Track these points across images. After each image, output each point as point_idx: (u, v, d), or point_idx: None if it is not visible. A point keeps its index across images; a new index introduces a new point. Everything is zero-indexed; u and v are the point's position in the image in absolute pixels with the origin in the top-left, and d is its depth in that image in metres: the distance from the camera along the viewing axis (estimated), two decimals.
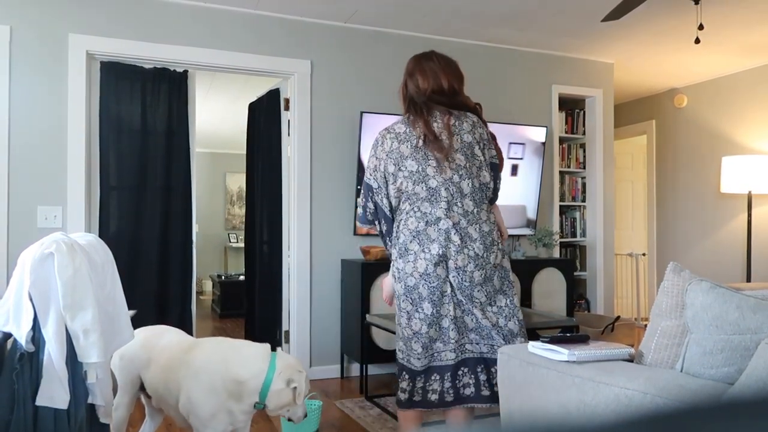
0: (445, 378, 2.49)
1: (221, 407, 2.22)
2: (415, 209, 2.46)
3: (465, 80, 2.68)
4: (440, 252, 2.39)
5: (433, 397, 2.48)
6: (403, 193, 2.48)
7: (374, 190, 2.52)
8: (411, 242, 2.45)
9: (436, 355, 2.48)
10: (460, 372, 2.49)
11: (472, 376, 2.50)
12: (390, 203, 2.52)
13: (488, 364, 2.49)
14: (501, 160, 2.66)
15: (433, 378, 2.48)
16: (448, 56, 2.69)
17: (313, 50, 4.46)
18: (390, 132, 2.52)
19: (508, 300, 2.50)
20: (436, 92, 2.53)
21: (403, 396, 2.49)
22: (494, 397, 2.46)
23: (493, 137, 2.66)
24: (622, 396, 1.81)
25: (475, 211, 2.44)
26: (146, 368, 2.42)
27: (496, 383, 2.43)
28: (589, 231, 5.55)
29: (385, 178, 2.49)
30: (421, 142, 2.45)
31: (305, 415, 2.36)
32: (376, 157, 2.52)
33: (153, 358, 2.41)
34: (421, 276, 2.42)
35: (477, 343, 2.49)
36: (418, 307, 2.44)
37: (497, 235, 2.50)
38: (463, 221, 2.41)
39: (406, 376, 2.49)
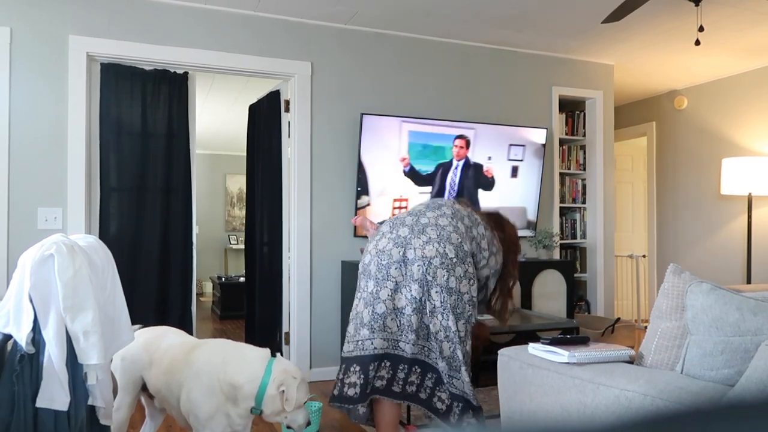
0: (364, 371, 2.52)
1: (219, 409, 2.21)
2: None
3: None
4: (402, 235, 2.49)
5: (351, 392, 2.54)
6: None
7: None
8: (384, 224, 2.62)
9: (361, 342, 2.49)
10: (382, 365, 2.51)
11: (404, 374, 2.53)
12: None
13: (422, 366, 2.51)
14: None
15: (349, 371, 2.55)
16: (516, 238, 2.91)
17: (313, 52, 4.46)
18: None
19: (454, 324, 2.46)
20: (483, 243, 2.69)
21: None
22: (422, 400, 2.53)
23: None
24: (622, 397, 1.81)
25: (465, 230, 2.57)
26: (148, 369, 2.42)
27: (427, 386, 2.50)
28: (589, 233, 5.55)
29: None
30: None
31: (307, 423, 2.29)
32: None
33: (155, 360, 2.41)
34: (379, 253, 2.51)
35: (411, 344, 2.48)
36: (373, 286, 2.54)
37: (471, 266, 2.54)
38: (449, 225, 2.54)
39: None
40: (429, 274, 2.41)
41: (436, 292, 2.42)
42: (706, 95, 6.09)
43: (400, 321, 2.45)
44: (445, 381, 2.48)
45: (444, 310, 2.42)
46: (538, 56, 5.23)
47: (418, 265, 2.42)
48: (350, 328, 2.54)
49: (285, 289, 4.54)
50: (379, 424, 2.60)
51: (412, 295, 2.43)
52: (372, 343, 2.46)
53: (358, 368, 2.46)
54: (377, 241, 2.55)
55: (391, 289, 2.44)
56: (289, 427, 2.30)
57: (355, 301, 2.56)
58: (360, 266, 2.59)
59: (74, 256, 1.80)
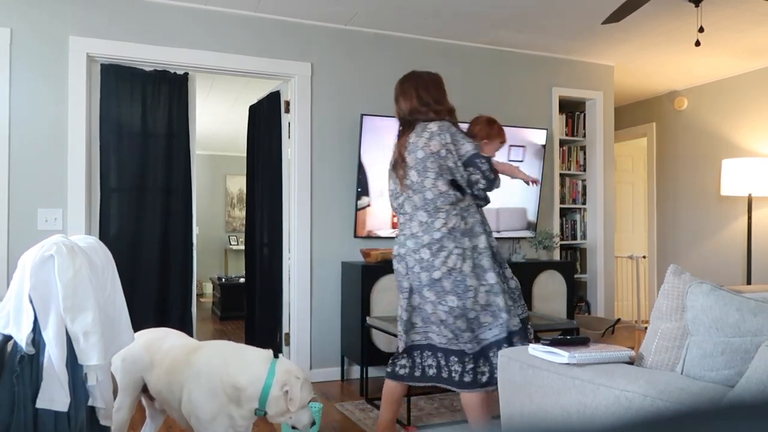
0: (411, 357, 2.85)
1: (221, 411, 2.20)
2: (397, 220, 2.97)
3: (444, 85, 2.93)
4: (399, 252, 2.83)
5: (402, 371, 2.86)
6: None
7: None
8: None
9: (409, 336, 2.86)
10: (425, 354, 2.82)
11: (435, 359, 2.79)
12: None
13: (445, 353, 2.76)
14: (482, 146, 2.92)
15: (402, 356, 2.88)
16: (426, 72, 2.94)
17: (313, 53, 4.46)
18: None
19: (460, 302, 2.70)
20: (413, 111, 2.83)
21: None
22: (451, 381, 2.75)
23: (469, 133, 2.98)
24: (622, 398, 1.81)
25: (429, 221, 2.74)
26: (149, 370, 2.42)
27: (454, 369, 2.73)
28: (589, 233, 5.55)
29: None
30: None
31: (313, 423, 2.29)
32: None
33: (156, 361, 2.41)
34: (396, 272, 2.89)
35: (436, 334, 2.78)
36: (400, 296, 2.89)
37: (453, 243, 2.73)
38: (419, 230, 2.75)
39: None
40: (415, 281, 2.77)
41: (427, 289, 2.72)
42: (707, 96, 6.09)
43: (421, 316, 2.82)
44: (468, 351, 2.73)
45: (440, 301, 2.70)
46: (538, 57, 5.23)
47: (407, 275, 2.80)
48: (399, 327, 2.90)
49: (285, 290, 4.54)
50: (389, 400, 2.89)
51: (428, 298, 2.77)
52: (411, 338, 2.86)
53: (406, 356, 2.86)
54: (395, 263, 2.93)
55: (409, 296, 2.83)
56: (294, 428, 2.29)
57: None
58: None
59: (74, 257, 1.81)
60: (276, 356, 2.31)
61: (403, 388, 2.89)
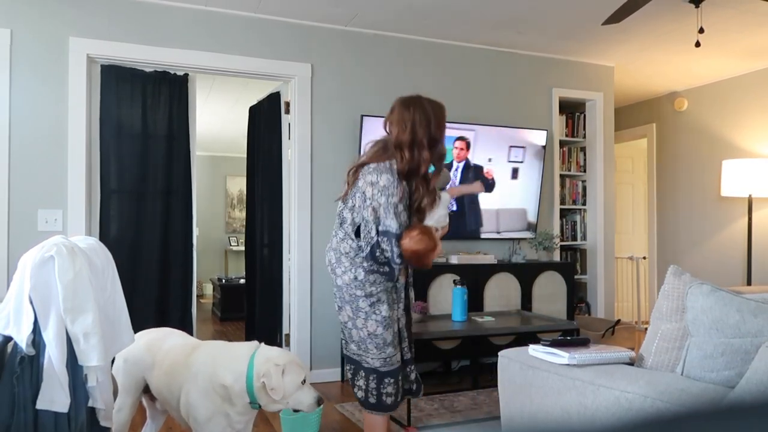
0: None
1: (218, 411, 2.19)
2: None
3: (445, 118, 2.78)
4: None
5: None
6: None
7: None
8: None
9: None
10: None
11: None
12: None
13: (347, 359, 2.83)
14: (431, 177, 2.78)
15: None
16: (429, 100, 2.77)
17: (313, 53, 4.46)
18: None
19: (353, 316, 2.70)
20: (399, 144, 2.66)
21: None
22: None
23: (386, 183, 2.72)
24: (622, 399, 1.81)
25: (343, 248, 2.80)
26: (150, 371, 2.42)
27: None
28: (589, 234, 5.54)
29: None
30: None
31: (318, 402, 2.20)
32: None
33: (157, 361, 2.41)
34: None
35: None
36: None
37: (351, 262, 2.74)
38: (335, 241, 2.83)
39: None
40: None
41: (335, 289, 2.80)
42: (707, 97, 6.09)
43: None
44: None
45: (341, 305, 2.76)
46: (538, 58, 5.23)
47: None
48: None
49: (285, 291, 4.54)
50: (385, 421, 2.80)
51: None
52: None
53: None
54: None
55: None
56: (295, 411, 2.23)
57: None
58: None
59: (74, 258, 1.81)
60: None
61: None
